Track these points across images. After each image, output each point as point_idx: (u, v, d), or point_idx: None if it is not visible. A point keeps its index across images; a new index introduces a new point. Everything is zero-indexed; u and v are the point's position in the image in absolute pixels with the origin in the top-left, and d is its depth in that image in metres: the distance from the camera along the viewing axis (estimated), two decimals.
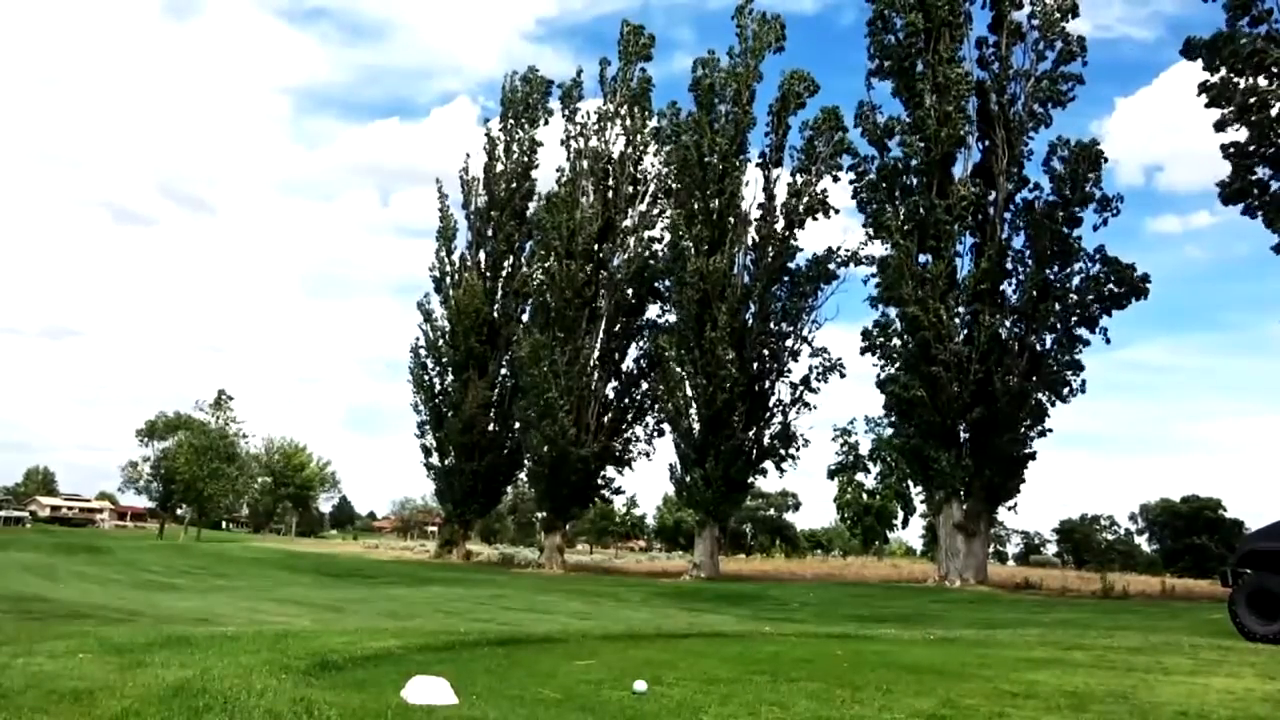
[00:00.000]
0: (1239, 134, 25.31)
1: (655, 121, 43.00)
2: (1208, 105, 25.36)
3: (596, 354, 42.26)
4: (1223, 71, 24.85)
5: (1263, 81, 24.43)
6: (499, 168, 47.92)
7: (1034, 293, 31.01)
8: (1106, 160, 31.81)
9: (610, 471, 43.82)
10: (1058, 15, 31.51)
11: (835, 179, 37.53)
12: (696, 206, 37.55)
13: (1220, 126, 25.33)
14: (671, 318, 39.85)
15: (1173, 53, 25.93)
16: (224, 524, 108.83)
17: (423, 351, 47.90)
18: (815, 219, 37.86)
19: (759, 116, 38.48)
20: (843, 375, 38.23)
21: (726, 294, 36.57)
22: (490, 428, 47.19)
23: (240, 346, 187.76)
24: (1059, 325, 31.46)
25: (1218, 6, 25.19)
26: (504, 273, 47.75)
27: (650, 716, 3.15)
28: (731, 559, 56.84)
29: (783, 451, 38.42)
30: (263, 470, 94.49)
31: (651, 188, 43.20)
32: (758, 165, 38.56)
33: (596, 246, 42.16)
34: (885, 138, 32.64)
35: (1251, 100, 24.45)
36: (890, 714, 3.39)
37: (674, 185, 40.16)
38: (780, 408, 38.52)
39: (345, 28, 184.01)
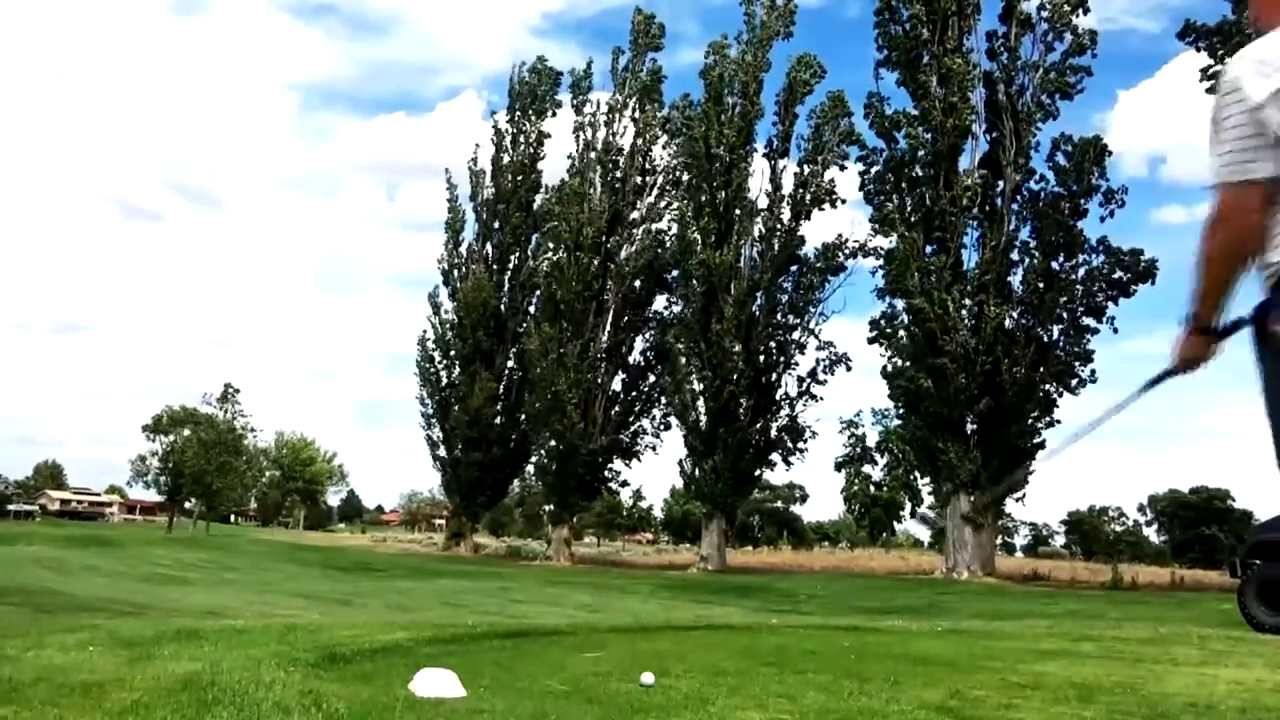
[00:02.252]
0: None
1: (665, 113, 42.88)
2: (1209, 92, 25.19)
3: (604, 347, 42.25)
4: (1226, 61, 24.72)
5: None
6: (506, 160, 47.78)
7: (1040, 284, 30.95)
8: (1111, 154, 31.91)
9: (618, 464, 43.89)
10: (1067, 8, 31.42)
11: (842, 168, 37.47)
12: (704, 198, 37.47)
13: None
14: (679, 309, 39.85)
15: (1176, 44, 25.64)
16: (232, 517, 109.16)
17: (430, 344, 47.94)
18: (822, 209, 37.80)
19: (766, 106, 38.40)
20: (849, 368, 38.30)
21: (733, 286, 36.52)
22: (497, 420, 47.20)
23: (249, 341, 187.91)
24: (1066, 316, 31.42)
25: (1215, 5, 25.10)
26: (511, 265, 47.71)
27: (658, 708, 3.15)
28: (739, 551, 56.84)
29: (790, 444, 38.45)
30: (271, 464, 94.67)
31: (660, 179, 43.06)
32: (764, 156, 38.49)
33: (604, 239, 42.05)
34: (893, 130, 32.58)
35: None
36: (898, 705, 3.38)
37: (683, 177, 40.06)
38: (787, 400, 38.56)
39: (352, 23, 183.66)
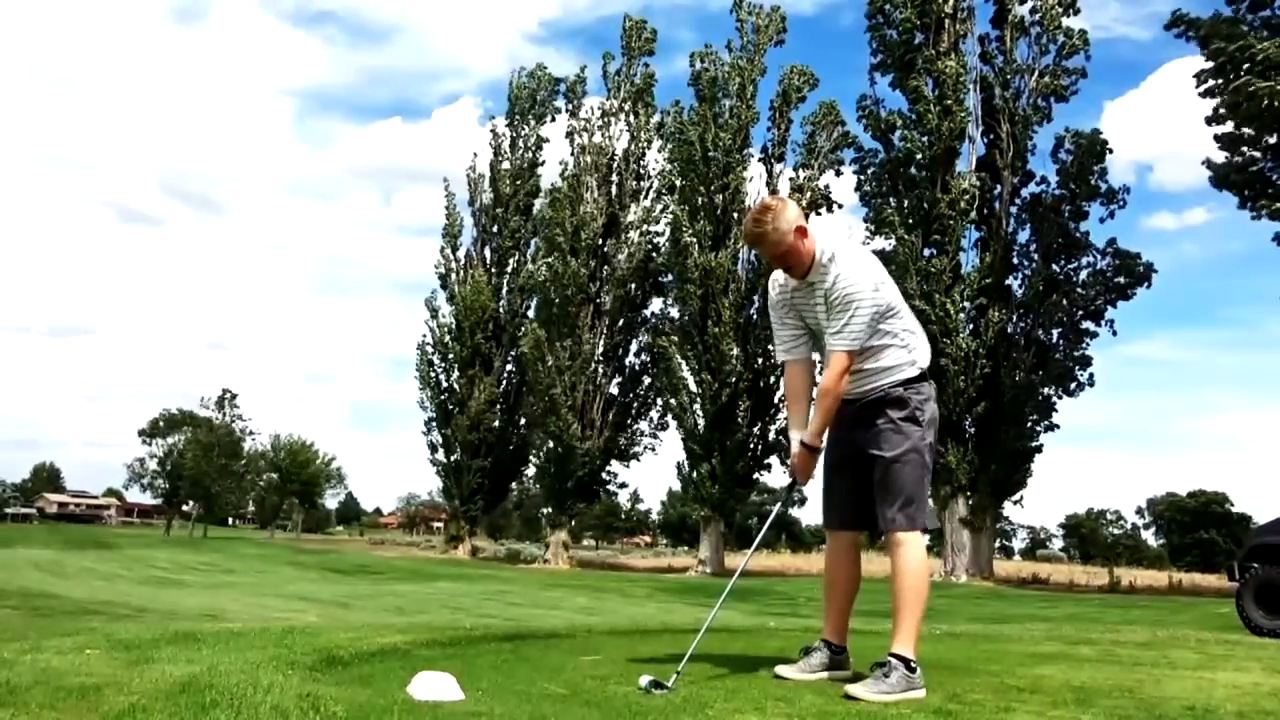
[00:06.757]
0: (1230, 126, 24.90)
1: (659, 117, 42.95)
2: (1202, 95, 24.91)
3: (601, 350, 42.26)
4: (1219, 59, 24.42)
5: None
6: (505, 165, 47.79)
7: (1040, 287, 30.96)
8: (1112, 151, 32.02)
9: (615, 466, 43.88)
10: (1058, 10, 31.52)
11: (838, 173, 37.56)
12: (700, 201, 37.52)
13: (1215, 120, 24.88)
14: (675, 313, 39.88)
15: (1162, 54, 25.23)
16: (230, 521, 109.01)
17: (429, 349, 47.89)
18: (819, 214, 37.82)
19: (761, 111, 38.53)
20: None
21: (730, 289, 36.55)
22: (496, 424, 47.21)
23: (247, 344, 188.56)
24: (1065, 319, 31.44)
25: (1214, 2, 24.86)
26: (510, 269, 47.74)
27: (656, 712, 3.15)
28: (737, 554, 56.79)
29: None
30: (269, 467, 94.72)
31: (655, 183, 43.10)
32: (760, 160, 38.59)
33: (601, 242, 42.09)
34: (888, 131, 32.60)
35: (1252, 89, 24.04)
36: (895, 709, 3.38)
37: (678, 181, 40.10)
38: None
39: (350, 30, 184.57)
